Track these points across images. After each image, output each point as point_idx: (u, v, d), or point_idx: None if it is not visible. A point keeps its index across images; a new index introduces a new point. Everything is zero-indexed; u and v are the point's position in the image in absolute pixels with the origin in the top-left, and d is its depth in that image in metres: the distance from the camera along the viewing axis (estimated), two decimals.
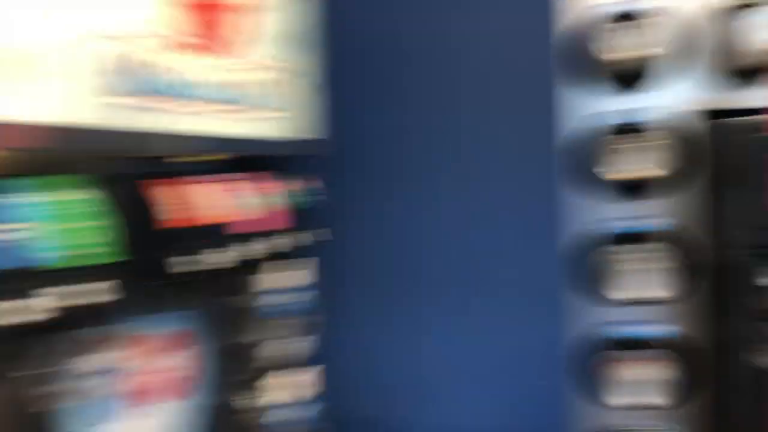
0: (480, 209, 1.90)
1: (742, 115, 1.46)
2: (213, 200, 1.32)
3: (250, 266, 1.47)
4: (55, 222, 0.93)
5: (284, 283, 1.71)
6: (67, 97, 1.01)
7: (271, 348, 1.70)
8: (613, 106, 1.57)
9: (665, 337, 1.55)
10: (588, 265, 1.59)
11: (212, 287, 1.32)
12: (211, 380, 1.58)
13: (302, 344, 1.83)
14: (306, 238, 1.56)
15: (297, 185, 1.58)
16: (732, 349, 1.50)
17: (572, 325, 1.62)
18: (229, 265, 1.34)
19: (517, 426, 1.85)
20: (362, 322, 2.03)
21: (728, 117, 1.49)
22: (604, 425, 1.60)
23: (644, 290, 1.55)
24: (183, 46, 1.24)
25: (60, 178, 1.00)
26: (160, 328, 1.44)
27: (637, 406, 1.57)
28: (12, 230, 0.88)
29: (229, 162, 1.60)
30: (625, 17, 1.54)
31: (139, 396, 1.39)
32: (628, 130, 1.55)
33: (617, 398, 1.58)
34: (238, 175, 1.44)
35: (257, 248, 1.41)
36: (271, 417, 1.70)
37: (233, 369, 1.70)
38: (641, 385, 1.56)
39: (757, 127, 1.44)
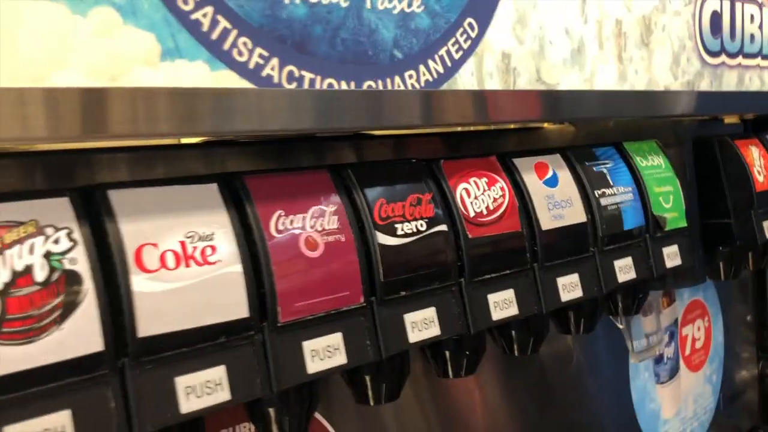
0: None
1: None
2: None
3: None
4: (649, 187, 0.96)
5: None
6: (672, 62, 1.02)
7: None
8: None
9: None
10: None
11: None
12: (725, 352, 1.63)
13: None
14: None
15: None
16: None
17: None
18: None
19: None
20: None
21: None
22: None
23: None
24: None
25: (646, 144, 1.02)
26: (694, 294, 1.51)
27: None
28: (619, 194, 0.92)
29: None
30: None
31: (685, 360, 1.48)
32: None
33: None
34: None
35: None
36: None
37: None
38: None
39: None
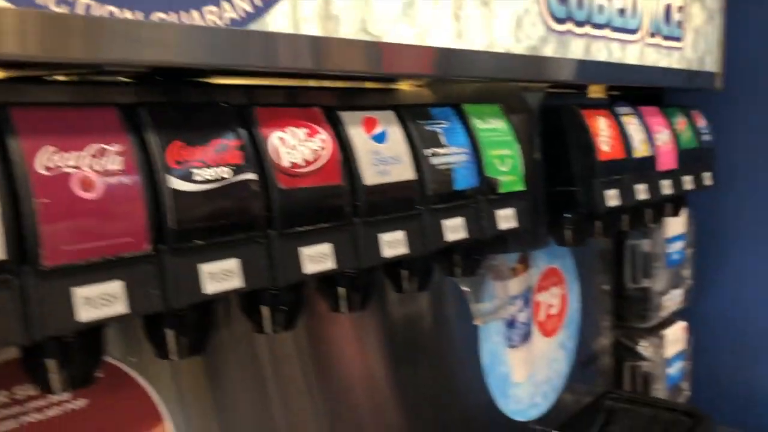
0: None
1: None
2: (636, 133, 1.27)
3: (655, 207, 1.40)
4: (484, 148, 0.95)
5: (671, 229, 1.70)
6: (515, 25, 1.00)
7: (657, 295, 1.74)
8: None
9: None
10: None
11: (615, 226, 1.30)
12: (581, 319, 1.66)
13: (676, 297, 1.80)
14: (690, 182, 1.44)
15: (684, 123, 1.45)
16: None
17: None
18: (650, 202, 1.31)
19: None
20: (739, 277, 1.90)
21: None
22: None
23: None
24: None
25: (488, 107, 1.02)
26: (550, 262, 1.53)
27: None
28: (452, 154, 0.91)
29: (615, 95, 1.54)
30: None
31: (539, 325, 1.52)
32: None
33: None
34: (647, 109, 1.36)
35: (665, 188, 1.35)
36: (644, 368, 1.75)
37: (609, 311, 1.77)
38: None
39: None
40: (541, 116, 1.15)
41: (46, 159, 0.56)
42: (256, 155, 0.71)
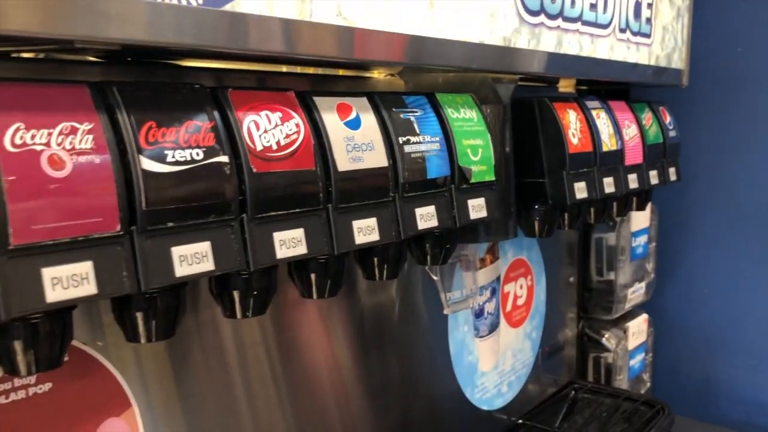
0: None
1: None
2: (605, 127, 1.28)
3: (622, 201, 1.43)
4: (457, 138, 0.96)
5: (636, 223, 1.73)
6: (489, 15, 1.00)
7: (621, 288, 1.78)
8: None
9: None
10: None
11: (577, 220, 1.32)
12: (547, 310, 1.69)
13: (640, 290, 1.83)
14: (656, 176, 1.46)
15: (650, 118, 1.47)
16: None
17: None
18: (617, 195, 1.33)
19: None
20: (698, 272, 1.94)
21: None
22: None
23: None
24: None
25: (461, 96, 1.02)
26: (518, 253, 1.56)
27: None
28: (425, 142, 0.91)
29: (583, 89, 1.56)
30: None
31: (506, 316, 1.54)
32: None
33: None
34: (615, 104, 1.38)
35: (632, 182, 1.37)
36: (608, 359, 1.80)
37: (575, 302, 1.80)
38: None
39: None
40: (513, 108, 1.16)
41: (15, 136, 0.55)
42: (229, 138, 0.71)
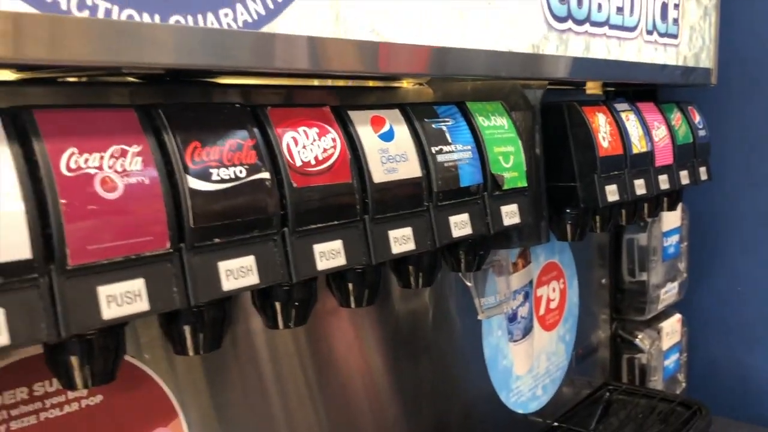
0: None
1: None
2: (634, 129, 1.29)
3: (653, 202, 1.43)
4: (488, 146, 0.97)
5: (667, 223, 1.73)
6: (517, 24, 1.01)
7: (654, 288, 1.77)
8: None
9: None
10: None
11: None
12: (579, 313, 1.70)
13: (673, 290, 1.83)
14: (686, 176, 1.46)
15: (679, 118, 1.47)
16: None
17: None
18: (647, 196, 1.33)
19: None
20: (732, 271, 1.93)
21: None
22: None
23: None
24: None
25: (491, 104, 1.03)
26: (550, 257, 1.57)
27: None
28: (457, 151, 0.92)
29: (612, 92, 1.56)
30: None
31: (539, 319, 1.55)
32: None
33: None
34: (644, 105, 1.38)
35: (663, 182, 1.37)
36: (642, 360, 1.80)
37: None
38: None
39: None
40: (542, 113, 1.17)
41: (70, 160, 0.58)
42: (270, 155, 0.73)
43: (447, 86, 1.18)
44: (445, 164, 0.91)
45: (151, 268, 0.62)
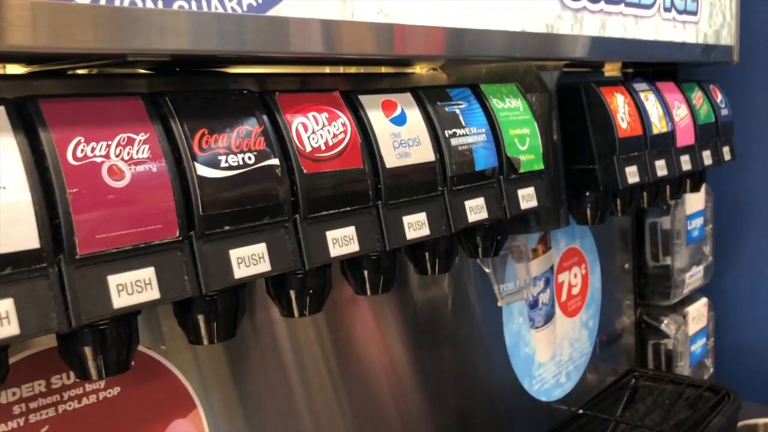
0: None
1: None
2: (654, 110, 1.27)
3: (675, 183, 1.40)
4: (503, 128, 0.95)
5: (691, 205, 1.70)
6: (531, 2, 0.99)
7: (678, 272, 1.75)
8: None
9: None
10: None
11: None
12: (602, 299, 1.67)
13: (698, 274, 1.81)
14: (709, 156, 1.42)
15: (701, 97, 1.44)
16: None
17: None
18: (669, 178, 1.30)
19: None
20: (759, 252, 1.89)
21: None
22: None
23: None
24: None
25: (505, 86, 1.01)
26: (570, 242, 1.55)
27: None
28: (471, 134, 0.91)
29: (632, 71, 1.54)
30: None
31: (561, 306, 1.53)
32: None
33: None
34: (664, 85, 1.35)
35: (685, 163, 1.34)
36: (668, 346, 1.78)
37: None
38: None
39: None
40: (559, 95, 1.15)
41: (77, 149, 0.57)
42: (279, 141, 0.72)
43: (461, 71, 1.16)
44: (459, 148, 0.89)
45: (161, 256, 0.62)
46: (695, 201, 1.79)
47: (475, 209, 0.91)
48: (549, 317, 1.50)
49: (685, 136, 1.34)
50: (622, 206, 1.28)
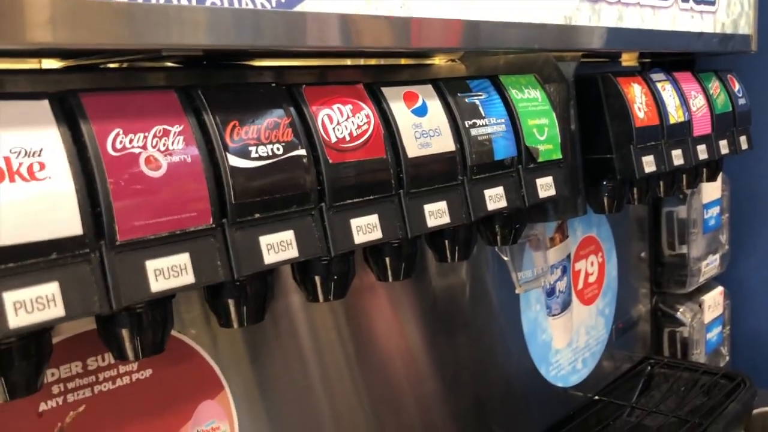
0: None
1: None
2: (671, 99, 1.28)
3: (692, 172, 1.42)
4: (522, 119, 0.97)
5: (707, 194, 1.72)
6: None
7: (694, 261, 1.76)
8: None
9: None
10: None
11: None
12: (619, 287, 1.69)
13: (714, 262, 1.82)
14: (726, 146, 1.43)
15: (718, 87, 1.44)
16: None
17: None
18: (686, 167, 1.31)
19: None
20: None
21: None
22: None
23: None
24: None
25: (524, 77, 1.03)
26: (587, 231, 1.57)
27: None
28: (491, 125, 0.93)
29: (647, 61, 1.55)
30: None
31: (578, 293, 1.54)
32: None
33: None
34: (681, 74, 1.36)
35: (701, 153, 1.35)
36: (683, 334, 1.79)
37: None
38: None
39: None
40: (576, 85, 1.17)
41: (116, 141, 0.60)
42: (306, 132, 0.74)
43: (480, 61, 1.18)
44: (479, 138, 0.91)
45: (195, 243, 0.64)
46: (712, 190, 1.80)
47: (494, 198, 0.93)
48: (566, 305, 1.52)
49: (702, 126, 1.35)
50: (638, 195, 1.29)
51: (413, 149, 0.84)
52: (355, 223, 0.78)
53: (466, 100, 0.92)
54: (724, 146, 1.42)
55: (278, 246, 0.71)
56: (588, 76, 1.20)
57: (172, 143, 0.64)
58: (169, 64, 0.86)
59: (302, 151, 0.73)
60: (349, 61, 1.09)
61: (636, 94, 1.21)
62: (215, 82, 0.87)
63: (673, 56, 1.65)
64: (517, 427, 1.44)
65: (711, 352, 1.91)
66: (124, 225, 0.60)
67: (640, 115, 1.20)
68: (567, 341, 1.53)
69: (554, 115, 1.03)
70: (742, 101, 1.50)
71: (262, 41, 0.70)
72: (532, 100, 1.01)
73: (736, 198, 1.91)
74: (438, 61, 1.19)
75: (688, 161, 1.30)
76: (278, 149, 0.71)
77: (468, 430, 1.33)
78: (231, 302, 0.75)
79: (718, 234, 1.89)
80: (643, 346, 1.86)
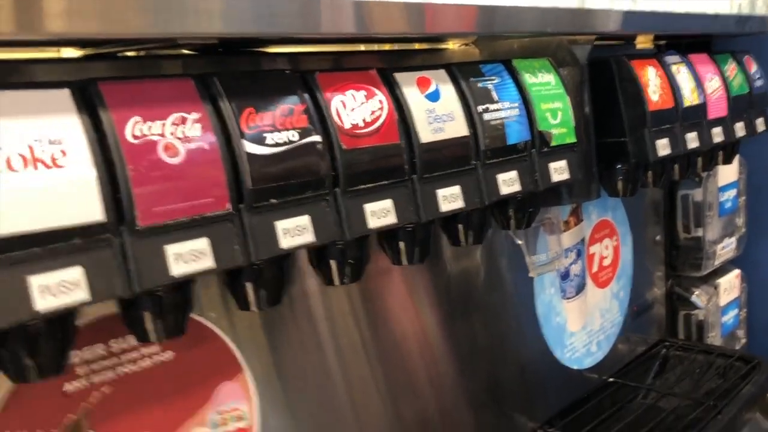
0: None
1: None
2: (686, 82, 1.27)
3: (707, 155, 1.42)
4: (535, 103, 0.98)
5: (723, 177, 1.71)
6: None
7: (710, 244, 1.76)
8: None
9: None
10: None
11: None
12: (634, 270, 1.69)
13: (730, 245, 1.82)
14: (742, 128, 1.42)
15: (734, 69, 1.43)
16: None
17: None
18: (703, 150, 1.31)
19: None
20: None
21: None
22: None
23: None
24: None
25: (537, 61, 1.04)
26: (602, 214, 1.57)
27: None
28: (504, 109, 0.93)
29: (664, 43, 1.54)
30: None
31: (592, 276, 1.55)
32: None
33: None
34: (696, 57, 1.35)
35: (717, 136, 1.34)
36: (698, 317, 1.80)
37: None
38: None
39: None
40: (590, 68, 1.17)
41: (135, 128, 0.62)
42: (320, 118, 0.75)
43: (493, 45, 1.18)
44: (492, 122, 0.92)
45: (213, 228, 0.66)
46: (728, 173, 1.79)
47: (508, 182, 0.94)
48: (580, 288, 1.52)
49: (718, 108, 1.34)
50: (653, 178, 1.29)
51: (426, 134, 0.85)
52: (369, 207, 0.79)
53: (479, 84, 0.93)
54: (740, 128, 1.41)
55: (294, 230, 0.72)
56: (602, 60, 1.20)
57: (190, 130, 0.65)
58: (185, 51, 0.88)
59: (317, 138, 0.74)
60: (362, 47, 1.09)
61: (650, 77, 1.20)
62: (230, 68, 0.88)
63: (689, 38, 1.64)
64: (531, 409, 1.45)
65: (727, 335, 1.91)
66: (144, 211, 0.61)
67: (654, 98, 1.20)
68: (581, 324, 1.54)
69: (568, 98, 1.03)
70: (759, 83, 1.49)
71: (277, 28, 0.71)
72: (545, 84, 1.01)
73: (753, 180, 1.90)
74: (451, 45, 1.19)
75: (704, 144, 1.29)
76: (293, 136, 0.72)
77: (483, 412, 1.35)
78: (249, 286, 0.77)
79: (734, 217, 1.88)
80: (658, 329, 1.86)
